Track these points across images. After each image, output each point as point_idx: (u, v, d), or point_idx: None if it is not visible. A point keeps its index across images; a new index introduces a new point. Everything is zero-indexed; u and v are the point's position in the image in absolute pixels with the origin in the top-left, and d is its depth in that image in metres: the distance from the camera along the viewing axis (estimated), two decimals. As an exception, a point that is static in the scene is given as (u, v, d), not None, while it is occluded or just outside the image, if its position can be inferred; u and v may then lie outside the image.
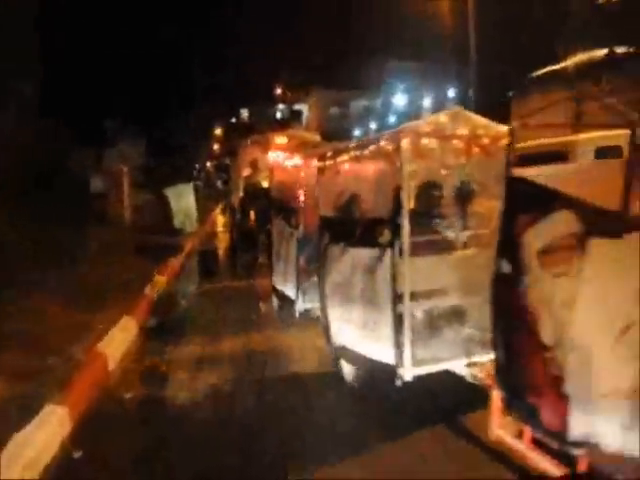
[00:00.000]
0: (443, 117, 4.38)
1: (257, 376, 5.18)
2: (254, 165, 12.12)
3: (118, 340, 5.69)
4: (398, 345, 3.98)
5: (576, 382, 2.52)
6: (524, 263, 2.72)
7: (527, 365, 2.77)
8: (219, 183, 34.42)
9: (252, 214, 10.82)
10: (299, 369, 5.30)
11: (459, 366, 4.03)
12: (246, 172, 12.49)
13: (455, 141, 4.47)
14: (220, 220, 20.56)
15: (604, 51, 15.32)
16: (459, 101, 24.34)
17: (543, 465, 2.92)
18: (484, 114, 4.47)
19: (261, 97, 43.86)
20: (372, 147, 4.88)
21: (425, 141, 4.30)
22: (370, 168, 5.07)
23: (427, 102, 33.07)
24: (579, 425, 2.54)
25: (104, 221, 14.39)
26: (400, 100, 39.07)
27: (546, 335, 2.64)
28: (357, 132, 38.65)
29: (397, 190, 3.97)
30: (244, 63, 44.05)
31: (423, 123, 4.38)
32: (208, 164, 45.64)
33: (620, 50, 14.75)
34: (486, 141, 4.51)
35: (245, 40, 45.58)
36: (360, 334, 4.36)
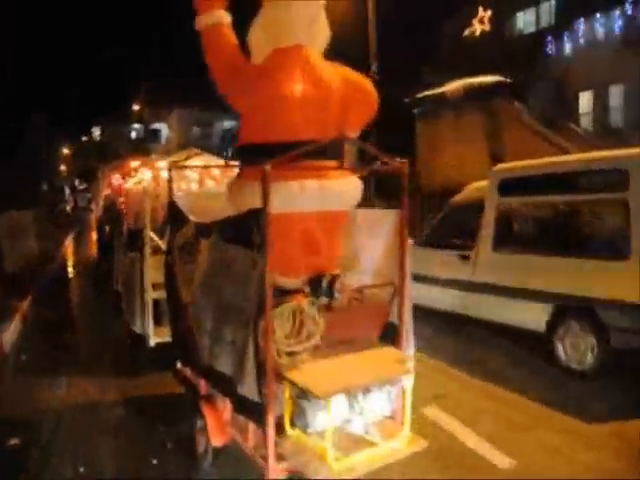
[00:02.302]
0: (179, 155, 6.03)
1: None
2: (111, 186, 13.34)
3: None
4: (144, 321, 5.69)
5: (195, 328, 4.13)
6: (174, 255, 4.33)
7: (179, 320, 4.37)
8: (68, 208, 33.73)
9: (107, 228, 11.92)
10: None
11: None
12: (105, 192, 13.78)
13: (189, 172, 6.09)
14: (71, 255, 18.75)
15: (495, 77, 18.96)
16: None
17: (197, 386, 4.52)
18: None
19: (116, 114, 42.58)
20: (137, 175, 6.45)
21: (163, 173, 5.90)
22: (140, 190, 6.65)
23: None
24: (202, 354, 4.14)
25: None
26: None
27: (185, 299, 4.25)
28: (224, 153, 39.65)
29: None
30: (97, 77, 42.89)
31: (163, 159, 6.00)
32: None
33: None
34: (217, 172, 6.22)
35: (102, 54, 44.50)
36: (131, 313, 6.01)
